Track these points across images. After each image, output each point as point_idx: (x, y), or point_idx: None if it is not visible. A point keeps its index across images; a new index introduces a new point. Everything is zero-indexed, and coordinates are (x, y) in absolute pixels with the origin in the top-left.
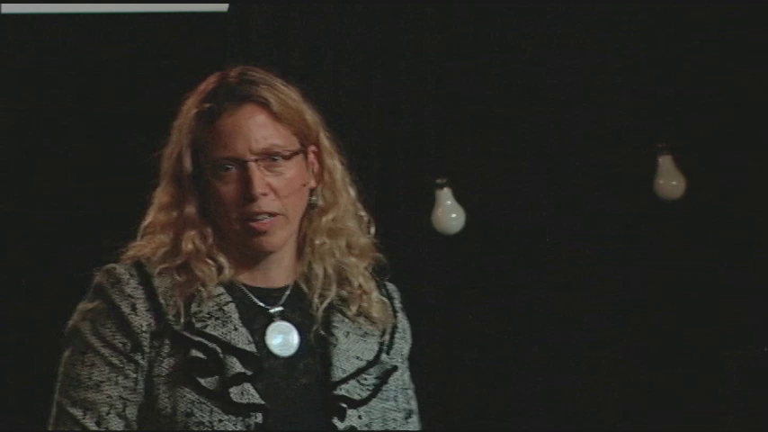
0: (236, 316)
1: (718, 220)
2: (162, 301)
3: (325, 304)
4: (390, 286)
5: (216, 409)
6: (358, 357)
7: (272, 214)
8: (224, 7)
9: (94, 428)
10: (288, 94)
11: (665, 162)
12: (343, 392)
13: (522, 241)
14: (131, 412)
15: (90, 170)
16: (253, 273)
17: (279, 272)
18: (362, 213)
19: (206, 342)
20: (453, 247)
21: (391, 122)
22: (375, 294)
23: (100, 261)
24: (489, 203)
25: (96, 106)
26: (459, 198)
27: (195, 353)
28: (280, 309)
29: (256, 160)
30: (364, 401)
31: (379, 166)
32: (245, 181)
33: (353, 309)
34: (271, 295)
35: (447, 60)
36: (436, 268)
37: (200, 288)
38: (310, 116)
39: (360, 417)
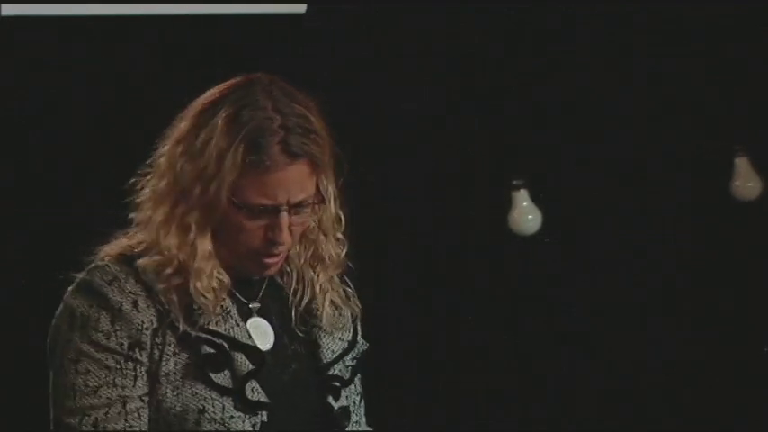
0: (234, 311)
1: None
2: (162, 298)
3: (300, 303)
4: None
5: (227, 405)
6: (341, 339)
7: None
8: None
9: (91, 430)
10: (325, 138)
11: (742, 164)
12: (336, 372)
13: (599, 243)
14: (132, 407)
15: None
16: (235, 268)
17: None
18: (337, 225)
19: (213, 339)
20: (530, 249)
21: (468, 124)
22: (329, 301)
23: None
24: (566, 205)
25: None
26: (535, 199)
27: (206, 349)
28: (257, 305)
29: (289, 210)
30: (350, 381)
31: (457, 169)
32: (274, 227)
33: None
34: (249, 288)
35: (524, 61)
36: (513, 270)
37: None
38: (330, 146)
39: (347, 396)
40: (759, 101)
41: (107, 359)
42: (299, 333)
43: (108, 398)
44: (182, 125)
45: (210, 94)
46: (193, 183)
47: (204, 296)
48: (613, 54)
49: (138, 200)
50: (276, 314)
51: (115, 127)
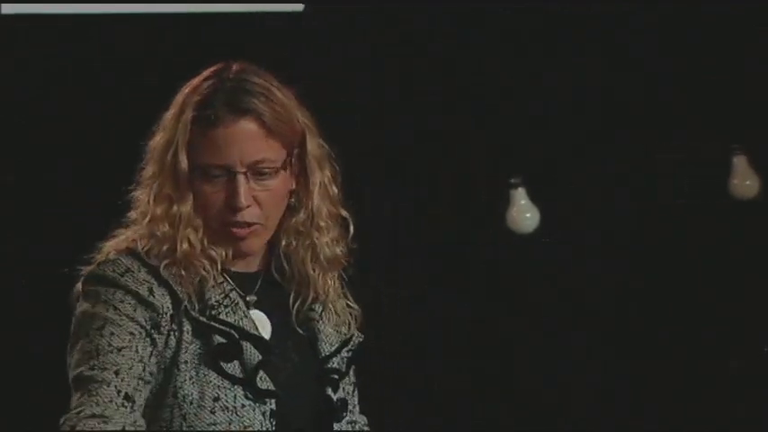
0: (242, 303)
1: None
2: (176, 288)
3: (299, 300)
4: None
5: (239, 394)
6: (338, 332)
7: (250, 224)
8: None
9: (113, 378)
10: (282, 104)
11: (740, 162)
12: (335, 365)
13: (596, 240)
14: (147, 376)
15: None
16: (233, 259)
17: (253, 258)
18: (332, 222)
19: (224, 328)
20: (527, 246)
21: (466, 123)
22: (333, 301)
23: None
24: (563, 202)
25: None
26: (533, 198)
27: (218, 339)
28: (254, 297)
29: (245, 172)
30: (346, 373)
31: (454, 167)
32: (232, 191)
33: (318, 306)
34: (246, 281)
35: (520, 61)
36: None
37: (206, 275)
38: (299, 122)
39: (343, 388)
40: (756, 100)
41: (131, 327)
42: (298, 328)
43: (131, 358)
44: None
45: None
46: (162, 154)
47: (195, 262)
48: (610, 53)
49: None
50: (274, 308)
51: (115, 125)
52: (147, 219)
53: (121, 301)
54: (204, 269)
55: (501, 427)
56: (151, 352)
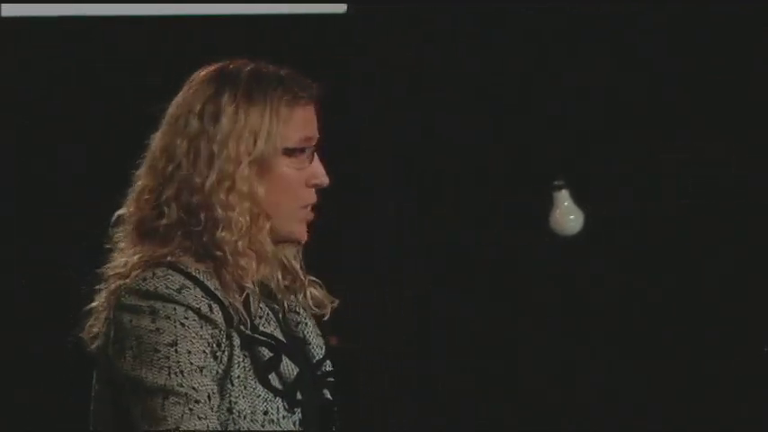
0: (272, 314)
1: None
2: (225, 302)
3: (282, 291)
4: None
5: (280, 406)
6: (318, 335)
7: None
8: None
9: (208, 402)
10: None
11: None
12: (328, 368)
13: (641, 242)
14: (218, 397)
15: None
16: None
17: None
18: None
19: (268, 340)
20: (572, 248)
21: (511, 124)
22: (310, 278)
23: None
24: (608, 205)
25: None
26: (577, 199)
27: (264, 351)
28: (273, 305)
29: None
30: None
31: (498, 168)
32: (315, 169)
33: (298, 296)
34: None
35: (566, 60)
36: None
37: (246, 285)
38: None
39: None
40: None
41: (202, 345)
42: (290, 330)
43: (211, 380)
44: (180, 124)
45: (193, 89)
46: (248, 146)
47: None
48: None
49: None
50: (275, 314)
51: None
52: (213, 216)
53: (186, 318)
54: (249, 273)
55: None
56: (217, 371)
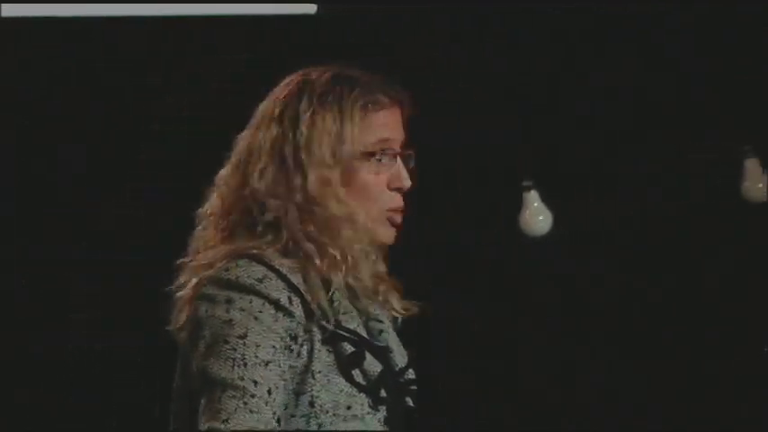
0: (355, 312)
1: None
2: (306, 297)
3: (369, 296)
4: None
5: (363, 402)
6: (398, 344)
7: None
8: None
9: (267, 397)
10: None
11: (752, 165)
12: (411, 376)
13: (611, 242)
14: (289, 393)
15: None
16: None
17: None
18: None
19: (352, 336)
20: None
21: (481, 125)
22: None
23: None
24: (576, 205)
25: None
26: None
27: (348, 347)
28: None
29: (400, 154)
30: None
31: (467, 170)
32: (396, 173)
33: (382, 299)
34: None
35: (535, 63)
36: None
37: (332, 282)
38: None
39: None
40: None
41: (273, 339)
42: (373, 337)
43: (277, 375)
44: (262, 128)
45: (276, 94)
46: (308, 151)
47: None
48: (619, 56)
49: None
50: (359, 314)
51: (115, 126)
52: (292, 217)
53: (260, 312)
54: (340, 277)
55: (505, 427)
56: (289, 366)
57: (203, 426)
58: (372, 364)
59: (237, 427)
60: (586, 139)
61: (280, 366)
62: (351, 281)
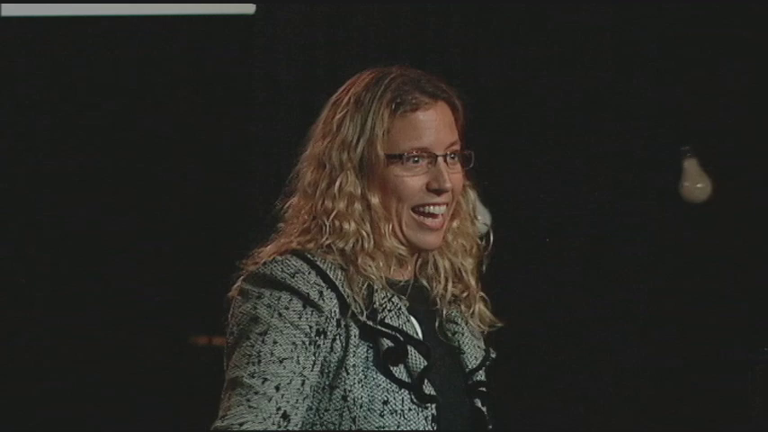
0: (404, 308)
1: (745, 223)
2: (343, 292)
3: (447, 299)
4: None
5: (405, 398)
6: (478, 347)
7: (447, 206)
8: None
9: (273, 393)
10: (460, 106)
11: (691, 165)
12: (481, 378)
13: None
14: (307, 390)
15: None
16: (390, 265)
17: (409, 266)
18: (472, 216)
19: (391, 332)
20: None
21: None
22: (480, 294)
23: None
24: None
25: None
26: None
27: (387, 343)
28: (407, 303)
29: (444, 156)
30: (491, 388)
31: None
32: (435, 173)
33: (464, 308)
34: (399, 288)
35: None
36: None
37: (373, 278)
38: (463, 118)
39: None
40: (707, 102)
41: (295, 336)
42: (442, 338)
43: (292, 371)
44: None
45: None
46: (341, 152)
47: (375, 258)
48: (554, 54)
49: (288, 207)
50: (423, 316)
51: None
52: (337, 213)
53: (286, 308)
54: (371, 269)
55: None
56: (314, 362)
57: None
58: (418, 361)
59: (233, 420)
60: (520, 137)
61: (299, 363)
62: (423, 284)
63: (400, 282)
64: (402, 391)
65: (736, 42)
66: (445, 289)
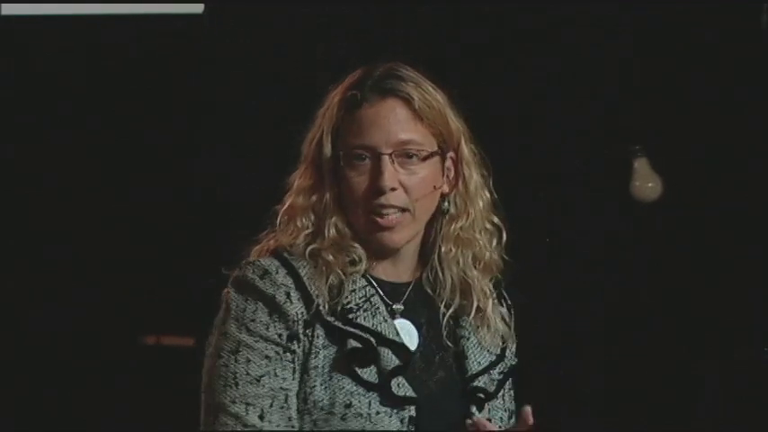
0: (382, 308)
1: (697, 222)
2: (310, 290)
3: (450, 311)
4: (507, 294)
5: (374, 401)
6: (488, 351)
7: (400, 209)
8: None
9: (258, 423)
10: (434, 96)
11: (641, 165)
12: (481, 384)
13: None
14: (293, 402)
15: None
16: (381, 265)
17: (404, 268)
18: (490, 226)
19: (360, 333)
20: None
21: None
22: (491, 308)
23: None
24: None
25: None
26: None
27: (353, 343)
28: (401, 306)
29: (391, 154)
30: (494, 395)
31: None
32: (377, 173)
33: (470, 320)
34: (395, 290)
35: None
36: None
37: (344, 278)
38: (453, 122)
39: (489, 410)
40: (657, 101)
41: (267, 349)
42: (448, 343)
43: (271, 388)
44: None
45: None
46: (306, 146)
47: (340, 253)
48: (513, 54)
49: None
50: (423, 320)
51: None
52: (288, 207)
53: (252, 320)
54: (344, 264)
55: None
56: (293, 368)
57: None
58: (391, 363)
59: None
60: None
61: (276, 376)
62: (428, 289)
63: (396, 282)
64: (370, 393)
65: (687, 41)
66: (451, 299)
